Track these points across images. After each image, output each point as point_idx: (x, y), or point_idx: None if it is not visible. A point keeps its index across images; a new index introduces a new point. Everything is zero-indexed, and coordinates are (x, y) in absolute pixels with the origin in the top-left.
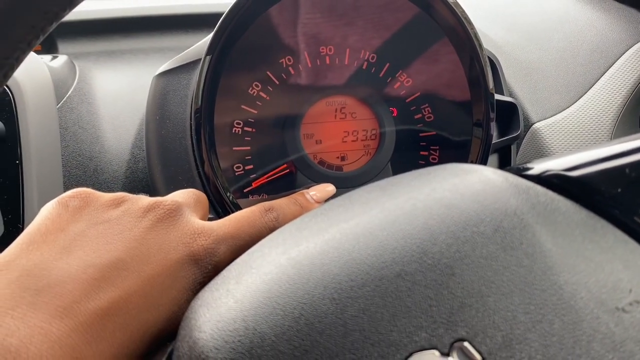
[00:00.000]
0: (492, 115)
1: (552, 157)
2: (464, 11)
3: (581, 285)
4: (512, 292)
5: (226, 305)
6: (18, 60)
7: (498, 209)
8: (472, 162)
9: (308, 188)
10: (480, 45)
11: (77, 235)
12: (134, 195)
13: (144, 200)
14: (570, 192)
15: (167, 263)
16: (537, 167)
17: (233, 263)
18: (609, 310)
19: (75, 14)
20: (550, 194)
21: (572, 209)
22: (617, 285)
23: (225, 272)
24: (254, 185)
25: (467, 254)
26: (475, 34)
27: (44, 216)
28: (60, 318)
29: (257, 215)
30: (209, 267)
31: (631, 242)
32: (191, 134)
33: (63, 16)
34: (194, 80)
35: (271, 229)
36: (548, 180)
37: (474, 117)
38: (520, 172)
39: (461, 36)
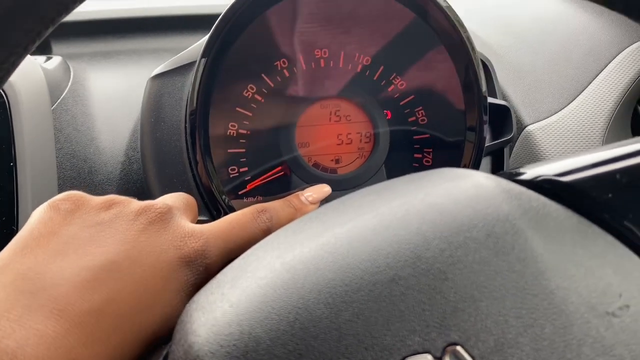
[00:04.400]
0: (485, 118)
1: (544, 162)
2: (457, 15)
3: (572, 290)
4: (504, 297)
5: (221, 309)
6: (14, 65)
7: (490, 214)
8: (465, 165)
9: (303, 189)
10: (473, 48)
11: (69, 239)
12: (125, 198)
13: (135, 203)
14: (562, 197)
15: (158, 265)
16: (530, 172)
17: (228, 267)
18: (600, 314)
19: (69, 15)
20: (542, 199)
21: (563, 214)
22: (607, 289)
23: (220, 276)
24: (248, 187)
25: (460, 259)
26: (468, 37)
27: (36, 220)
28: (55, 320)
29: (249, 218)
30: (200, 269)
31: (621, 247)
32: (186, 136)
33: (59, 20)
34: (189, 82)
35: (264, 231)
36: (540, 185)
37: (467, 122)
38: (513, 177)
39: (454, 40)
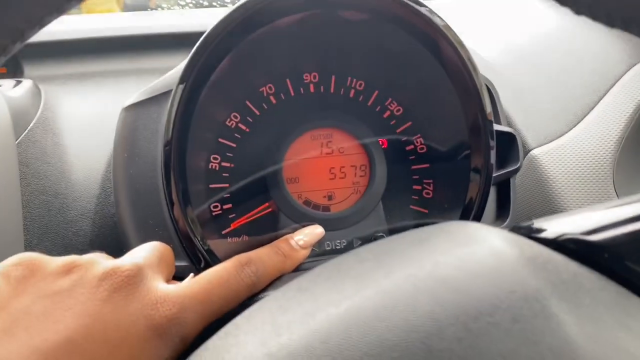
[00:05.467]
0: (492, 143)
1: (566, 215)
2: (456, 35)
3: None
4: None
5: None
6: None
7: (515, 293)
8: (471, 199)
9: (293, 231)
10: (476, 70)
11: (19, 313)
12: (89, 259)
13: (99, 265)
14: (592, 260)
15: (127, 341)
16: (552, 229)
17: (204, 348)
18: None
19: (41, 35)
20: (572, 266)
21: (597, 285)
22: None
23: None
24: (232, 226)
25: (481, 351)
26: (470, 59)
27: None
28: None
29: (231, 273)
30: (175, 340)
31: None
32: (161, 173)
33: (29, 36)
34: (166, 112)
35: (249, 287)
36: (565, 246)
37: (472, 153)
38: (532, 233)
39: (454, 62)
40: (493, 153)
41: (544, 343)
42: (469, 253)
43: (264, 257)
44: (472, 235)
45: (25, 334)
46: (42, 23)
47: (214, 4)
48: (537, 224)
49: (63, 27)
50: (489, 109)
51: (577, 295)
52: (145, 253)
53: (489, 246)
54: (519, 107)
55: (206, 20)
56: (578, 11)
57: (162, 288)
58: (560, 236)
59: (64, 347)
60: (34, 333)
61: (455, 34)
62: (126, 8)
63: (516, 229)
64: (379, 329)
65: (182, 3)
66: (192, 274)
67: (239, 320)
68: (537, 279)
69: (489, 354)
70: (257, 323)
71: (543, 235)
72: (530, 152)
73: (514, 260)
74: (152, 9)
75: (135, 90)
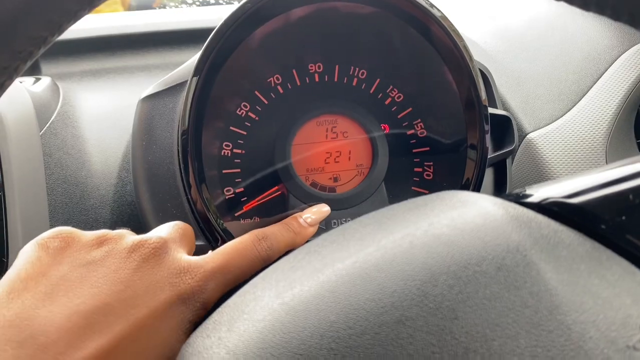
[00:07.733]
0: (487, 128)
1: (552, 182)
2: (452, 24)
3: (589, 324)
4: (518, 335)
5: (218, 356)
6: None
7: (500, 246)
8: (468, 179)
9: (302, 210)
10: (471, 58)
11: (59, 279)
12: (118, 233)
13: (128, 239)
14: (572, 221)
15: (154, 305)
16: (537, 194)
17: (225, 305)
18: (620, 349)
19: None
20: (553, 224)
21: (576, 241)
22: (626, 321)
23: (216, 316)
24: (245, 208)
25: (469, 295)
26: (465, 47)
27: (23, 260)
28: None
29: (248, 246)
30: (197, 304)
31: (638, 273)
32: (178, 159)
33: (52, 41)
34: (181, 103)
35: (264, 259)
36: (549, 209)
37: (468, 135)
38: (520, 199)
39: (451, 50)
40: (488, 136)
41: (525, 288)
42: (460, 214)
43: (277, 233)
44: (463, 200)
45: (65, 298)
46: (76, 17)
47: (220, 1)
48: (524, 191)
49: (75, 27)
50: (483, 94)
51: (556, 248)
52: (168, 229)
53: (477, 208)
54: (516, 93)
55: (213, 17)
56: (570, 2)
57: (185, 259)
58: (544, 200)
59: (101, 309)
60: (72, 297)
61: (451, 23)
62: (131, 8)
63: (504, 196)
64: (378, 279)
65: (190, 1)
66: (209, 251)
67: (255, 280)
68: (519, 234)
69: (477, 297)
70: (272, 281)
71: (529, 200)
72: (527, 136)
73: (499, 218)
74: (158, 8)
75: (146, 85)
